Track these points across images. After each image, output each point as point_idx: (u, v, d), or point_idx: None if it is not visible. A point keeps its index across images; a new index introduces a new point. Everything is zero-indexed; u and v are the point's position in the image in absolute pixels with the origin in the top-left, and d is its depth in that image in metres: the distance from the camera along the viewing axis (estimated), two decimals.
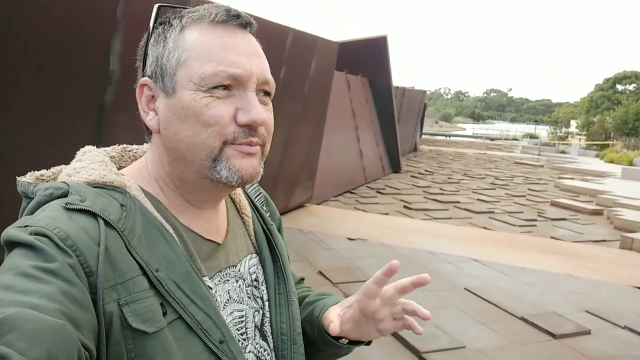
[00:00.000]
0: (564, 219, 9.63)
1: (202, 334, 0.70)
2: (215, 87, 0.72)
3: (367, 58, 13.11)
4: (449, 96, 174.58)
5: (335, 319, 0.89)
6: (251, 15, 0.79)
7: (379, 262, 5.69)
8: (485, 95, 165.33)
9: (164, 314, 0.67)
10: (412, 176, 14.84)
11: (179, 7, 0.78)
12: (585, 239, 7.95)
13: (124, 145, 0.89)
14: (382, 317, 0.89)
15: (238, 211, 0.93)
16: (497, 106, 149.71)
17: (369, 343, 0.97)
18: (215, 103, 0.72)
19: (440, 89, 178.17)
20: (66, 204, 0.66)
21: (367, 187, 12.11)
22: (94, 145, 0.83)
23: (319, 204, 9.22)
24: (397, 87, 17.16)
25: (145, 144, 0.86)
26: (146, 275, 0.68)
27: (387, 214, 9.01)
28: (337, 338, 0.93)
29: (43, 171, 0.78)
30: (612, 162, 23.20)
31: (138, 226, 0.70)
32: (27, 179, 0.75)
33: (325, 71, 7.77)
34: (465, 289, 5.07)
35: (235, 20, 0.75)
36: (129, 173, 0.80)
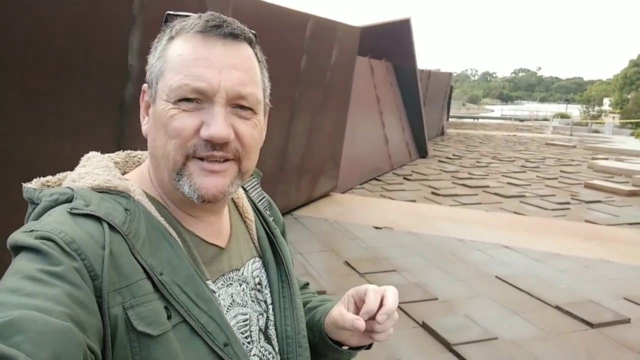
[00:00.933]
0: (599, 202, 9.31)
1: (207, 337, 0.70)
2: (181, 100, 0.72)
3: (391, 42, 12.88)
4: (476, 78, 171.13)
5: (353, 316, 0.87)
6: (246, 29, 0.77)
7: (406, 252, 5.59)
8: (513, 75, 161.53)
9: (169, 317, 0.68)
10: (439, 161, 14.60)
11: (185, 15, 0.77)
12: (621, 222, 7.66)
13: (129, 151, 0.89)
14: (376, 329, 0.89)
15: (241, 215, 0.93)
16: (526, 86, 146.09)
17: (369, 347, 0.98)
18: (179, 115, 0.72)
19: (466, 70, 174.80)
20: (71, 209, 0.67)
21: (394, 173, 11.96)
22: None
23: (344, 193, 9.14)
24: (422, 70, 16.82)
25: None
26: (150, 278, 0.68)
27: (414, 200, 8.87)
28: (338, 343, 0.95)
29: (49, 177, 0.79)
30: None
31: (142, 230, 0.71)
32: (32, 185, 0.76)
33: (347, 57, 7.63)
34: (496, 277, 4.94)
35: (214, 30, 0.73)
36: (133, 178, 0.81)
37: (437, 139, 21.77)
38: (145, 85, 0.79)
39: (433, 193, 9.61)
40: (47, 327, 0.52)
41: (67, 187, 0.72)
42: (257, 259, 0.90)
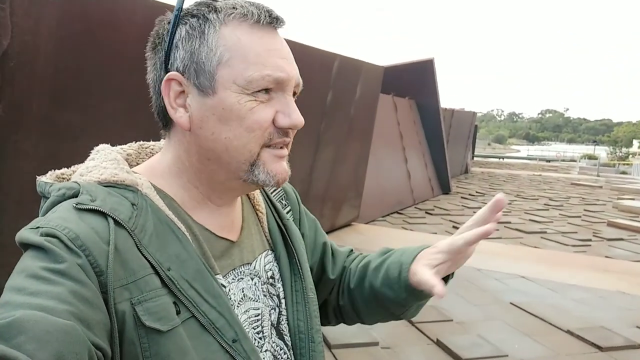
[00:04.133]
0: (621, 239, 9.31)
1: (215, 332, 0.70)
2: (259, 91, 0.72)
3: (415, 81, 13.32)
4: (502, 118, 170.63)
5: (435, 281, 0.84)
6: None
7: None
8: (540, 116, 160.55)
9: (178, 312, 0.68)
10: (462, 197, 14.72)
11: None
12: None
13: (141, 142, 0.89)
14: (464, 253, 0.89)
15: (253, 207, 0.93)
16: (553, 127, 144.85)
17: (450, 277, 0.97)
18: (258, 107, 0.73)
19: (492, 110, 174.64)
20: (77, 204, 0.67)
21: (416, 207, 12.16)
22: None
23: (366, 224, 9.40)
24: (446, 108, 17.18)
25: (162, 140, 0.85)
26: (158, 274, 0.68)
27: (436, 233, 9.05)
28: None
29: (64, 170, 0.79)
30: None
31: (149, 225, 0.70)
32: (45, 179, 0.76)
33: (370, 94, 8.07)
34: (511, 303, 5.10)
35: (276, 23, 0.76)
36: (142, 170, 0.80)
37: (461, 176, 21.89)
38: (174, 73, 0.74)
39: (454, 227, 9.75)
40: (49, 326, 0.52)
41: (74, 182, 0.72)
42: (270, 252, 0.90)
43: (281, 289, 0.88)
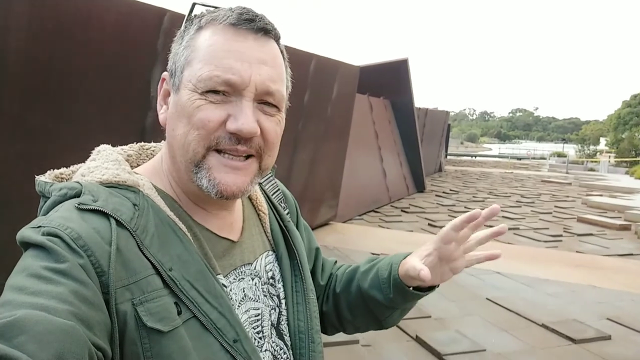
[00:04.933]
0: (591, 235, 9.57)
1: (216, 332, 0.70)
2: (209, 91, 0.71)
3: (389, 81, 13.43)
4: (474, 117, 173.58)
5: (421, 266, 0.88)
6: (275, 26, 0.78)
7: None
8: (511, 115, 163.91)
9: (179, 312, 0.67)
10: (436, 195, 14.92)
11: (213, 7, 0.77)
12: (611, 253, 7.93)
13: (142, 143, 0.90)
14: (457, 256, 0.93)
15: (255, 208, 0.93)
16: (524, 125, 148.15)
17: (437, 286, 1.00)
18: (206, 106, 0.71)
19: (465, 109, 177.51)
20: (79, 204, 0.67)
21: (392, 206, 12.27)
22: None
23: (344, 223, 9.44)
24: (420, 108, 17.38)
25: (162, 141, 0.87)
26: (160, 274, 0.68)
27: (412, 231, 9.15)
28: (416, 288, 0.96)
29: (63, 169, 0.79)
30: None
31: (151, 225, 0.70)
32: (44, 178, 0.75)
33: (347, 94, 8.11)
34: (487, 299, 5.20)
35: (247, 24, 0.73)
36: (144, 171, 0.81)
37: (435, 175, 22.18)
38: (165, 73, 0.78)
39: (430, 225, 9.89)
40: (50, 326, 0.52)
41: (76, 182, 0.72)
42: (271, 252, 0.90)
43: (281, 289, 0.88)
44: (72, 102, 3.48)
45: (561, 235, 9.34)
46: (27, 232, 0.64)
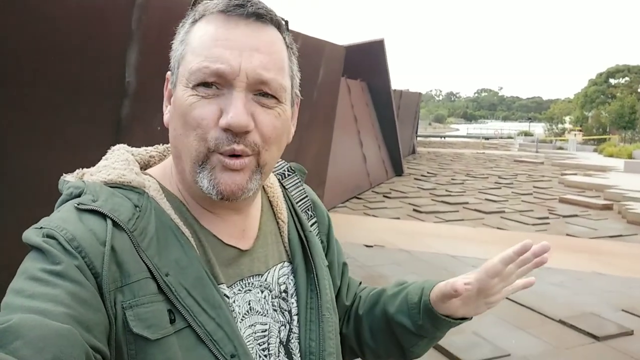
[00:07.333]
0: (576, 215, 9.53)
1: (212, 345, 0.65)
2: (200, 85, 0.67)
3: (365, 62, 13.03)
4: (441, 98, 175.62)
5: (458, 282, 0.85)
6: (272, 12, 0.71)
7: (401, 269, 5.53)
8: (476, 95, 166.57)
9: (172, 321, 0.64)
10: (415, 179, 14.74)
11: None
12: (601, 235, 7.83)
13: (168, 145, 0.83)
14: (497, 291, 0.89)
15: (275, 214, 0.87)
16: (489, 105, 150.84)
17: (471, 317, 0.93)
18: (199, 103, 0.67)
19: (431, 90, 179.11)
20: (78, 204, 0.66)
21: (373, 191, 11.98)
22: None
23: (328, 211, 9.07)
24: (395, 90, 17.09)
25: None
26: (155, 279, 0.65)
27: (398, 218, 8.87)
28: (446, 316, 0.89)
29: (92, 168, 0.75)
30: (611, 156, 23.27)
31: (151, 228, 0.68)
32: (68, 177, 0.74)
33: (333, 77, 7.63)
34: None
35: (237, 10, 0.68)
36: (155, 172, 0.78)
37: (409, 157, 22.04)
38: (168, 72, 0.75)
39: (415, 210, 9.63)
40: (46, 331, 0.51)
41: (82, 181, 0.71)
42: (286, 263, 0.84)
43: (294, 305, 0.82)
44: (32, 91, 2.92)
45: (547, 218, 9.25)
46: (29, 233, 0.63)
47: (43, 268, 0.58)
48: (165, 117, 0.76)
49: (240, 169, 0.69)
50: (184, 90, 0.68)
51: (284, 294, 0.81)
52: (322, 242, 0.93)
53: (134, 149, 0.82)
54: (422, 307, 0.88)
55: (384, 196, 11.31)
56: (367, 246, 6.57)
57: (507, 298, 3.79)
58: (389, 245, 6.67)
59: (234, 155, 0.68)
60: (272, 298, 0.79)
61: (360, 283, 1.09)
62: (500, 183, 14.17)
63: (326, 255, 0.94)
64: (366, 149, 12.55)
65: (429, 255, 6.19)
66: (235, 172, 0.69)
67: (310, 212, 0.94)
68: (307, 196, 0.95)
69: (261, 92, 0.69)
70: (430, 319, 0.88)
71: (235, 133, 0.66)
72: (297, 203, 0.91)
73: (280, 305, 0.80)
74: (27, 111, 2.91)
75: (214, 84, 0.67)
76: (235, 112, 0.65)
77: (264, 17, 0.69)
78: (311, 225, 0.91)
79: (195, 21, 0.71)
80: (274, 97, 0.70)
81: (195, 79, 0.67)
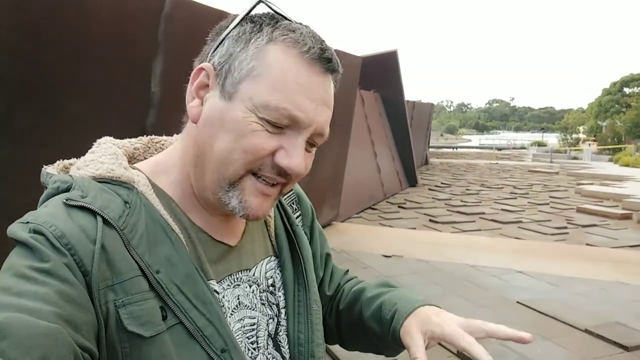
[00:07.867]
0: (595, 225, 9.40)
1: (203, 341, 0.66)
2: (269, 121, 0.67)
3: (378, 73, 13.03)
4: (452, 109, 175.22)
5: (419, 354, 0.77)
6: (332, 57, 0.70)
7: (421, 279, 5.48)
8: (488, 105, 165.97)
9: (164, 317, 0.64)
10: (429, 189, 14.66)
11: (280, 14, 0.71)
12: (622, 245, 7.71)
13: (152, 137, 0.86)
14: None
15: None
16: (501, 116, 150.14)
17: None
18: (262, 133, 0.67)
19: (442, 101, 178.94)
20: (67, 200, 0.64)
21: (387, 202, 11.94)
22: None
23: (343, 222, 9.05)
24: (408, 101, 17.09)
25: (174, 135, 0.84)
26: (146, 276, 0.64)
27: (415, 228, 8.82)
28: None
29: (73, 160, 0.75)
30: (627, 165, 22.99)
31: (141, 224, 0.67)
32: (50, 169, 0.72)
33: (349, 88, 7.66)
34: (518, 302, 4.85)
35: (325, 63, 0.69)
36: (144, 167, 0.77)
37: (422, 168, 21.96)
38: (208, 65, 0.71)
39: (431, 221, 9.57)
40: (33, 330, 0.50)
41: (69, 175, 0.69)
42: (273, 258, 0.85)
43: (282, 298, 0.83)
44: (64, 100, 2.98)
45: (566, 227, 9.13)
46: (15, 228, 0.61)
47: (30, 265, 0.57)
48: (194, 110, 0.71)
49: (270, 195, 0.72)
50: (248, 113, 0.67)
51: (271, 288, 0.82)
52: (305, 234, 0.94)
53: (118, 140, 0.80)
54: (391, 331, 0.86)
55: (399, 207, 11.26)
56: (385, 256, 6.53)
57: (529, 307, 3.75)
58: (407, 255, 6.62)
59: (268, 183, 0.70)
60: (260, 292, 0.80)
61: (347, 272, 1.09)
62: (515, 193, 14.05)
63: (310, 243, 0.96)
64: (380, 159, 12.53)
65: (449, 266, 6.14)
66: (265, 198, 0.71)
67: (294, 206, 0.95)
68: (292, 190, 0.96)
69: (312, 141, 0.71)
70: (396, 342, 0.87)
71: (285, 173, 0.69)
72: (283, 197, 0.92)
73: (268, 298, 0.81)
74: (58, 120, 2.97)
75: (283, 125, 0.68)
76: (297, 161, 0.68)
77: (336, 71, 0.71)
78: (296, 218, 0.93)
79: (270, 41, 0.68)
80: (314, 145, 0.73)
81: (269, 115, 0.66)
